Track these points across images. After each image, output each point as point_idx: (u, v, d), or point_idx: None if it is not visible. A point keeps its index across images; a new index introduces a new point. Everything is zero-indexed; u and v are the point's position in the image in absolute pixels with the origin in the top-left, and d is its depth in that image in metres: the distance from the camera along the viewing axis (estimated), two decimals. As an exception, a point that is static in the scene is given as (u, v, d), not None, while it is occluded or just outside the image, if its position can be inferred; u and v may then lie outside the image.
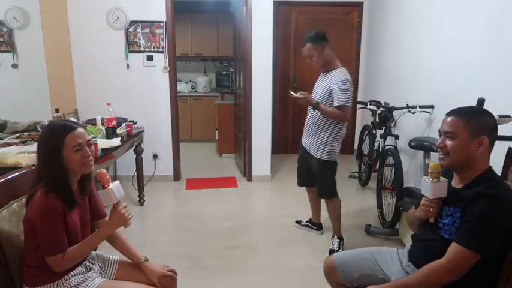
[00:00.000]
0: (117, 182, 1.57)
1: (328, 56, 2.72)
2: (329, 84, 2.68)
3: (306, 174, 3.03)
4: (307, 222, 3.29)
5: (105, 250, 1.77)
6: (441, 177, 1.48)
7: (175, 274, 1.72)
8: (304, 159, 2.97)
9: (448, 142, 1.43)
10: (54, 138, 1.45)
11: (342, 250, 2.82)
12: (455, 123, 1.42)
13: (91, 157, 1.50)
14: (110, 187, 1.51)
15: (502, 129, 1.54)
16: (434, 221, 1.51)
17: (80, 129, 1.49)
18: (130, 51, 4.16)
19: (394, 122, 3.47)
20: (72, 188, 1.50)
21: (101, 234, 1.57)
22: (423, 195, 1.53)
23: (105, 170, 1.54)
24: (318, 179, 2.92)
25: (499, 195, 1.34)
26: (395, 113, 3.44)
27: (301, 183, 3.13)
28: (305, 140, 2.94)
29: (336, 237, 2.95)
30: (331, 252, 2.81)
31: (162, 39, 4.16)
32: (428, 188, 1.48)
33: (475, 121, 1.41)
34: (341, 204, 2.94)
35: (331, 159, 2.80)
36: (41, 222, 1.39)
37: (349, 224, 3.32)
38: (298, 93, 2.70)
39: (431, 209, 1.49)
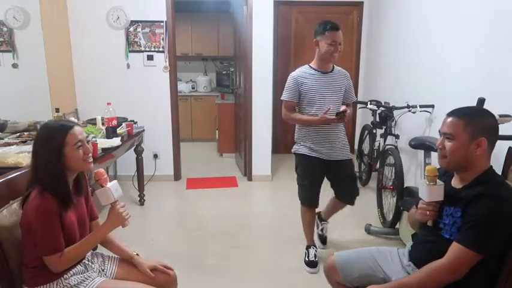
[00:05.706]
0: (115, 181, 1.57)
1: None
2: (344, 82, 2.56)
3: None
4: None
5: (105, 249, 1.77)
6: (438, 181, 1.47)
7: (171, 270, 1.73)
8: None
9: (447, 143, 1.42)
10: (55, 137, 1.45)
11: (313, 259, 2.63)
12: (455, 124, 1.41)
13: (91, 154, 1.53)
14: (107, 186, 1.52)
15: (502, 129, 1.53)
16: (433, 224, 1.50)
17: (78, 127, 1.51)
18: (130, 51, 4.16)
19: (394, 122, 3.47)
20: (69, 187, 1.50)
21: (99, 234, 1.56)
22: (420, 199, 1.53)
23: (103, 170, 1.55)
24: (354, 181, 2.71)
25: (500, 195, 1.34)
26: (395, 112, 3.44)
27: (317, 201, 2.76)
28: (326, 151, 2.59)
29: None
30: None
31: (163, 39, 4.15)
32: (425, 191, 1.48)
33: (475, 123, 1.39)
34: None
35: None
36: (37, 223, 1.38)
37: (350, 224, 3.32)
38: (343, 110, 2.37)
39: (428, 212, 1.49)
